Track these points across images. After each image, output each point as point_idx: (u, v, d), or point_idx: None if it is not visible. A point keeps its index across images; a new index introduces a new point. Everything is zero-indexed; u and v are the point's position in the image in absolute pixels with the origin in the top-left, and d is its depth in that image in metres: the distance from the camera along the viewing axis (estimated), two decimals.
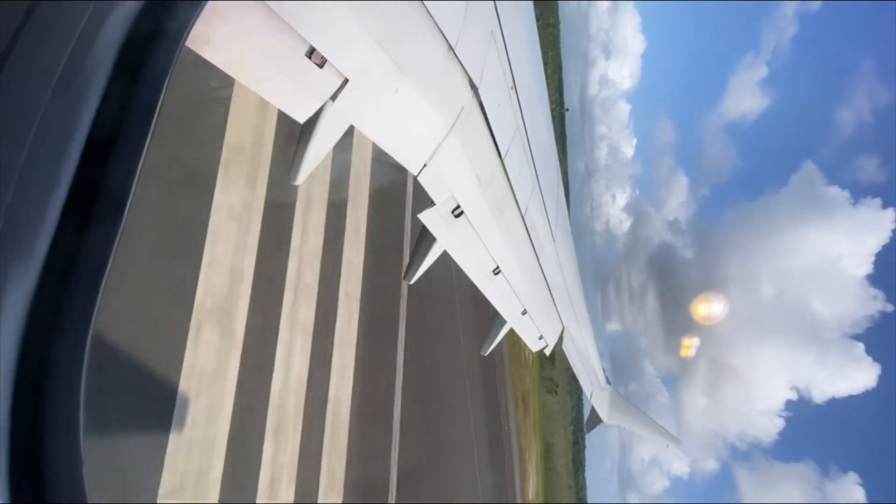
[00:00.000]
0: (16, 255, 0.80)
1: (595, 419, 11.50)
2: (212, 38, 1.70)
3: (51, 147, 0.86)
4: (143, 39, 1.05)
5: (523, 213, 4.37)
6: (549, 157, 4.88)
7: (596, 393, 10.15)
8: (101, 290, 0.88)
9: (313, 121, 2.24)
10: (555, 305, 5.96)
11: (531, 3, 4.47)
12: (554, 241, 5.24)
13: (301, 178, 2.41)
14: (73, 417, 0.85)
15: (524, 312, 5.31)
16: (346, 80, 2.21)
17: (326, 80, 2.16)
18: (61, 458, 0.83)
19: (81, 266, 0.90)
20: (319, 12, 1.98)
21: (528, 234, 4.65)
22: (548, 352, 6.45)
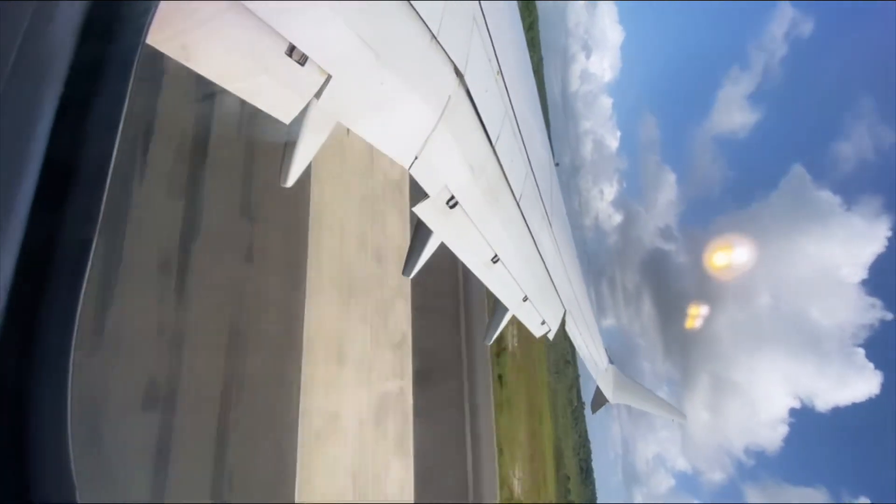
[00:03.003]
0: None
1: (600, 399, 11.60)
2: (187, 43, 1.65)
3: (15, 119, 0.79)
4: (101, 39, 0.97)
5: (518, 199, 4.34)
6: (541, 141, 4.84)
7: (600, 373, 10.24)
8: (83, 281, 0.82)
9: (299, 120, 2.20)
10: (555, 289, 5.97)
11: None
12: (550, 225, 5.23)
13: (291, 180, 2.37)
14: (61, 416, 0.81)
15: (525, 299, 5.31)
16: (329, 77, 2.17)
17: (309, 78, 2.12)
18: (49, 457, 0.80)
19: (58, 262, 0.84)
20: (296, 8, 1.93)
21: (525, 221, 4.63)
22: (551, 336, 6.47)
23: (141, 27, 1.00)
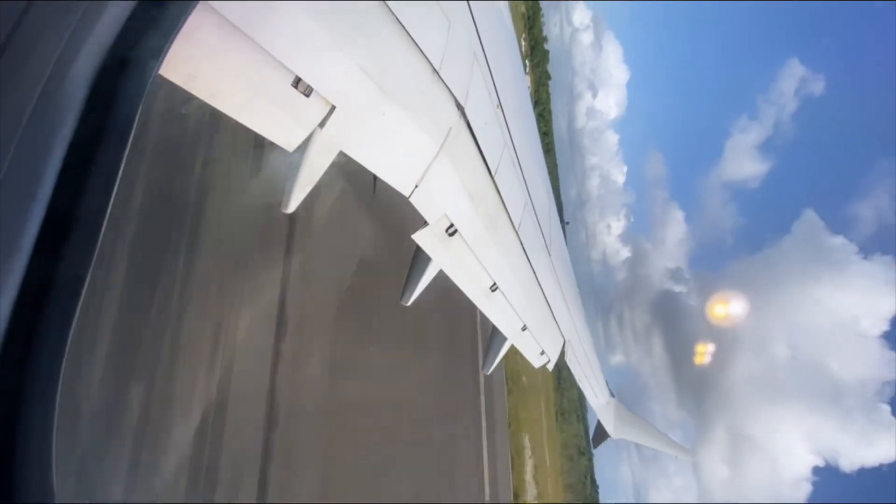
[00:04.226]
0: None
1: (602, 434, 11.30)
2: (197, 73, 1.71)
3: (25, 174, 0.90)
4: (120, 62, 1.08)
5: (517, 228, 4.38)
6: (539, 172, 4.93)
7: (601, 407, 10.01)
8: (75, 316, 0.92)
9: (301, 149, 2.25)
10: (554, 319, 5.92)
11: (511, 25, 4.59)
12: (549, 254, 5.25)
13: (292, 206, 2.41)
14: (47, 425, 0.90)
15: (524, 328, 5.27)
16: (333, 108, 2.24)
17: (314, 109, 2.19)
18: (32, 460, 0.87)
19: (55, 293, 0.94)
20: (303, 43, 2.02)
21: (524, 250, 4.66)
22: (550, 367, 6.37)
23: (139, 97, 1.13)
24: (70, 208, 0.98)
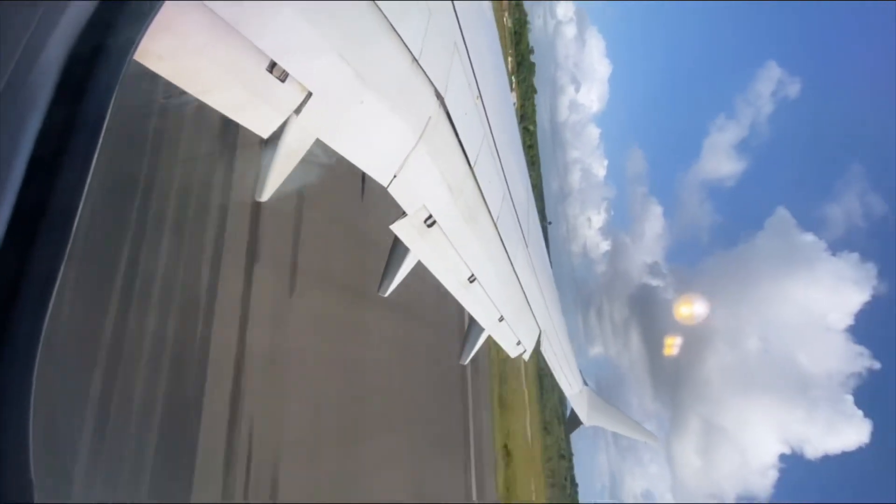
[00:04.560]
0: None
1: (575, 421, 11.62)
2: (166, 55, 1.65)
3: None
4: (89, 54, 1.02)
5: (495, 220, 4.41)
6: (518, 165, 4.96)
7: (574, 395, 10.28)
8: (47, 312, 0.89)
9: (277, 136, 2.20)
10: (531, 310, 6.01)
11: (493, 16, 4.56)
12: (527, 246, 5.31)
13: (266, 195, 2.36)
14: (22, 420, 0.88)
15: (501, 319, 5.33)
16: (309, 94, 2.19)
17: (289, 95, 2.13)
18: (9, 459, 0.86)
19: (26, 289, 0.90)
20: (278, 26, 1.96)
21: (502, 241, 4.69)
22: (526, 356, 6.48)
23: (112, 87, 1.07)
24: (40, 203, 0.94)
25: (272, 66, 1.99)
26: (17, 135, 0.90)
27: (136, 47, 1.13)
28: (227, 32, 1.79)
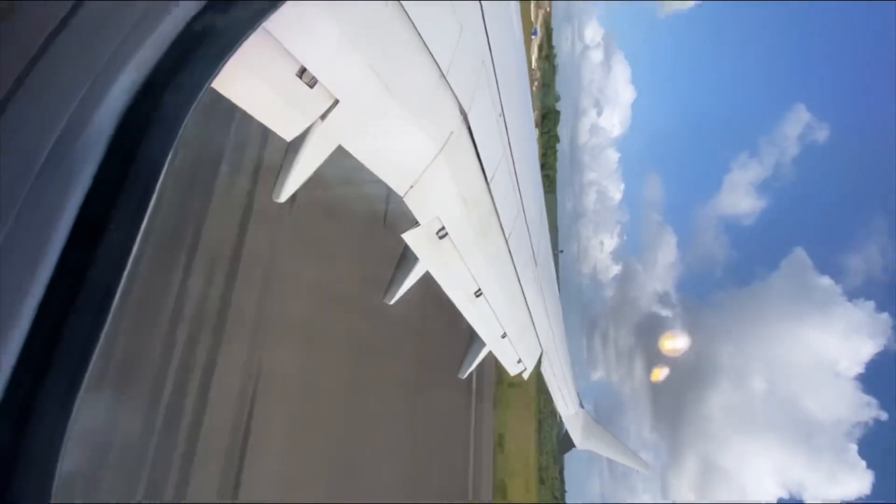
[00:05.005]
0: None
1: (568, 443, 11.51)
2: None
3: (34, 230, 0.81)
4: (145, 114, 0.99)
5: (507, 237, 4.40)
6: (534, 185, 4.96)
7: (570, 417, 10.18)
8: (81, 388, 0.85)
9: (300, 139, 2.23)
10: (535, 329, 5.97)
11: (521, 36, 4.60)
12: (536, 265, 5.29)
13: (284, 195, 2.38)
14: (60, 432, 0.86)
15: (504, 336, 5.30)
16: (336, 101, 2.21)
17: (316, 101, 2.16)
18: (36, 465, 0.84)
19: (60, 362, 0.86)
20: (312, 33, 1.99)
21: (512, 258, 4.68)
22: (526, 375, 6.43)
23: (163, 156, 1.01)
24: (80, 273, 0.89)
25: (302, 72, 2.02)
26: (62, 199, 0.85)
27: (196, 105, 1.09)
28: (260, 35, 1.82)
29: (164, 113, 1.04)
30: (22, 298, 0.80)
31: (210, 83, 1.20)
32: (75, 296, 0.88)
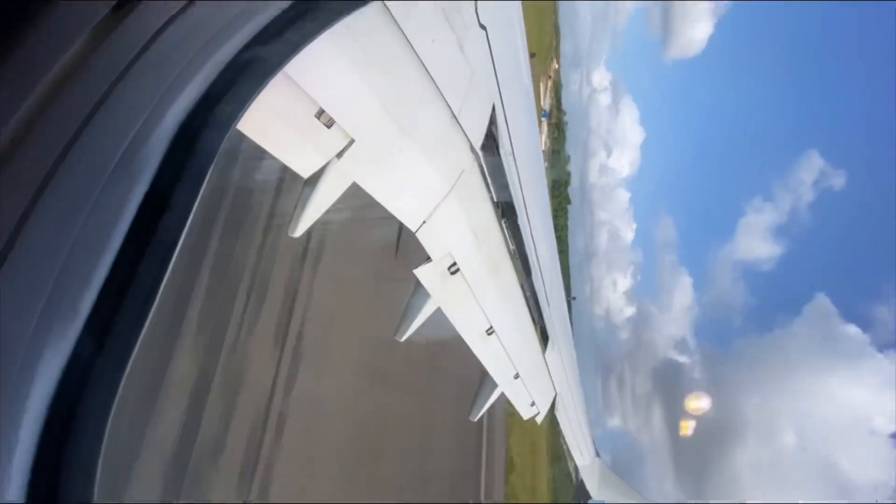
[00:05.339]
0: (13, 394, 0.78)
1: (583, 494, 10.89)
2: None
3: (71, 291, 0.84)
4: (172, 174, 1.04)
5: (518, 273, 4.39)
6: (544, 224, 4.99)
7: (585, 466, 9.68)
8: (122, 382, 0.87)
9: (316, 176, 2.31)
10: (548, 370, 5.81)
11: (530, 80, 4.79)
12: (549, 305, 5.22)
13: (299, 231, 2.44)
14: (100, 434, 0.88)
15: (517, 376, 5.16)
16: (352, 141, 2.31)
17: (333, 140, 2.25)
18: (80, 462, 0.86)
19: (107, 355, 0.89)
20: (331, 76, 2.11)
21: (524, 296, 4.64)
22: (539, 419, 6.19)
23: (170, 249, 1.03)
24: (107, 321, 0.90)
25: (320, 113, 2.12)
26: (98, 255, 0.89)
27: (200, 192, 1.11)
28: (282, 79, 1.93)
29: (200, 146, 1.11)
30: (85, 289, 0.84)
31: (242, 116, 1.29)
32: (125, 290, 0.90)
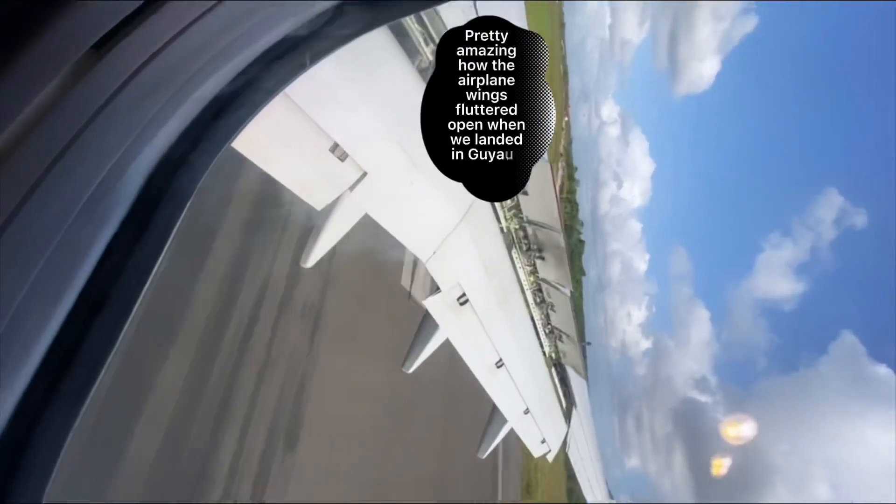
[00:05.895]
0: None
1: None
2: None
3: (40, 308, 0.82)
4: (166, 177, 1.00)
5: (529, 306, 4.35)
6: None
7: None
8: (91, 393, 0.84)
9: (329, 208, 2.35)
10: (560, 405, 5.65)
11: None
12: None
13: (311, 261, 2.47)
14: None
15: (527, 412, 5.01)
16: (365, 174, 2.36)
17: (347, 173, 2.31)
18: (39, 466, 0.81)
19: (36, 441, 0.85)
20: (346, 113, 2.19)
21: (534, 328, 4.58)
22: (550, 458, 5.96)
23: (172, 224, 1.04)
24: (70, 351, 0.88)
25: (334, 147, 2.19)
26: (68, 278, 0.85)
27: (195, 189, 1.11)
28: (298, 115, 2.01)
29: (178, 183, 1.08)
30: (54, 306, 0.81)
31: (226, 148, 1.27)
32: (96, 311, 0.86)
